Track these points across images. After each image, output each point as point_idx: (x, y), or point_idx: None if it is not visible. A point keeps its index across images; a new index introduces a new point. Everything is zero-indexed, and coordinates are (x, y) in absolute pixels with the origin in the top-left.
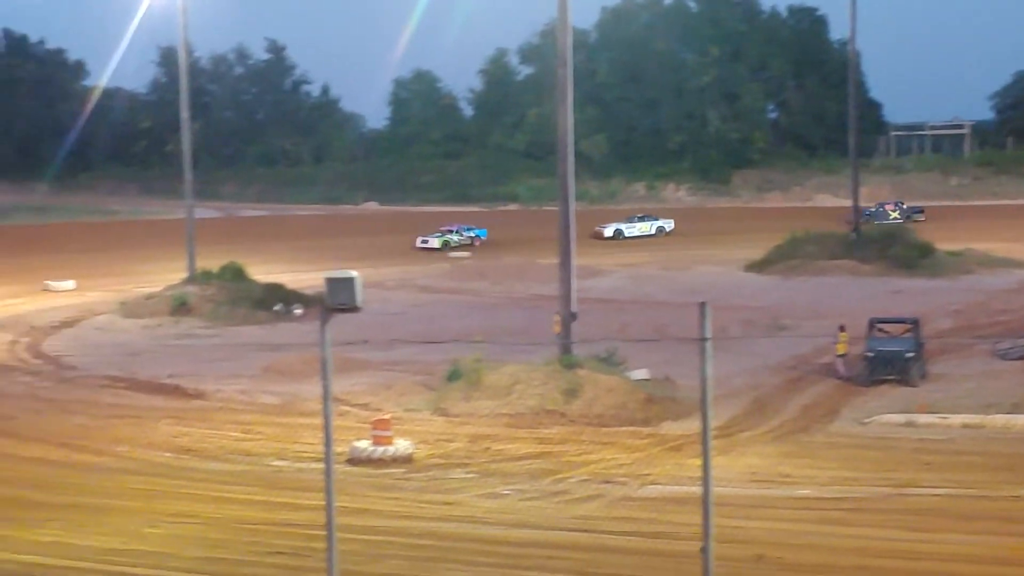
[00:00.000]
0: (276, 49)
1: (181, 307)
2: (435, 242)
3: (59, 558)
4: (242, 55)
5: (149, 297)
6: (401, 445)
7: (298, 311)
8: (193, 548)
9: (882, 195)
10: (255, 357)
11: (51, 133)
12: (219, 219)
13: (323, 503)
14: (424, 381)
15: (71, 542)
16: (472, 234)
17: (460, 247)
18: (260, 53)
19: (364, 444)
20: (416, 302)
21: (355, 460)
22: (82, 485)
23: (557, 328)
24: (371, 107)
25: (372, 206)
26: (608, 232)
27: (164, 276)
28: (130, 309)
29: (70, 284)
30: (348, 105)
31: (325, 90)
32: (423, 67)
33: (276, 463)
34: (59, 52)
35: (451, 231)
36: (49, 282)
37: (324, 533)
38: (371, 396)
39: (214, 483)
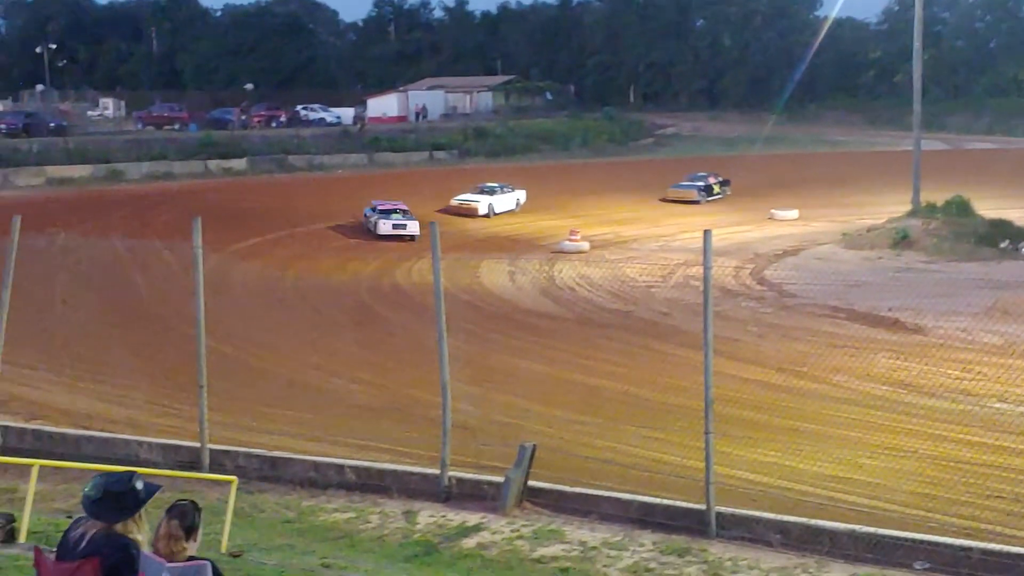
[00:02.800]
0: None
1: (902, 240)
2: (483, 207)
3: (777, 478)
4: None
5: (870, 229)
6: None
7: None
8: (908, 483)
9: None
10: (977, 294)
11: (782, 65)
12: (944, 152)
13: None
14: None
15: (789, 464)
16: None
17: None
18: None
19: None
20: None
21: None
22: (799, 410)
23: None
24: None
25: None
26: (483, 208)
27: (886, 208)
28: (851, 240)
29: (794, 213)
30: None
31: None
32: None
33: (997, 405)
34: None
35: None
36: (774, 211)
37: None
38: None
39: (931, 420)
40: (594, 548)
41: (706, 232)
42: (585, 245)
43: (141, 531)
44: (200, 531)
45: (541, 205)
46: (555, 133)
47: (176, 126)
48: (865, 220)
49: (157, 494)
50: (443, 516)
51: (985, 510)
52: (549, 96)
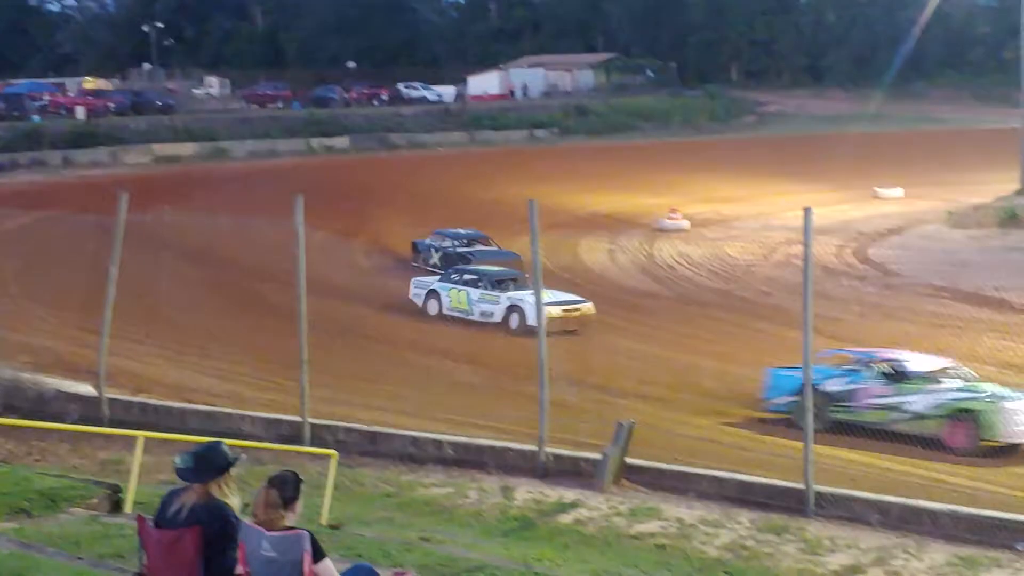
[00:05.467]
0: None
1: (1010, 219)
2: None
3: (877, 458)
4: None
5: (977, 208)
6: None
7: None
8: (1011, 463)
9: None
10: None
11: (887, 41)
12: None
13: None
14: None
15: (890, 444)
16: None
17: None
18: None
19: None
20: None
21: None
22: None
23: None
24: None
25: None
26: None
27: (993, 187)
28: (957, 219)
29: (898, 192)
30: None
31: None
32: None
33: None
34: None
35: None
36: (878, 189)
37: None
38: None
39: None
40: (691, 525)
41: (807, 210)
42: (685, 223)
43: (233, 493)
44: (300, 502)
45: (641, 183)
46: (656, 111)
47: (280, 104)
48: (972, 199)
49: (251, 466)
50: (540, 492)
51: None
52: (650, 74)
